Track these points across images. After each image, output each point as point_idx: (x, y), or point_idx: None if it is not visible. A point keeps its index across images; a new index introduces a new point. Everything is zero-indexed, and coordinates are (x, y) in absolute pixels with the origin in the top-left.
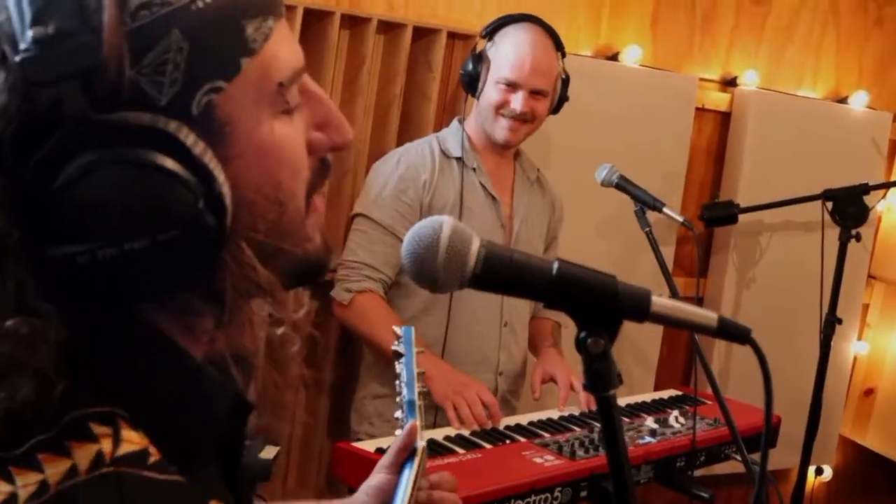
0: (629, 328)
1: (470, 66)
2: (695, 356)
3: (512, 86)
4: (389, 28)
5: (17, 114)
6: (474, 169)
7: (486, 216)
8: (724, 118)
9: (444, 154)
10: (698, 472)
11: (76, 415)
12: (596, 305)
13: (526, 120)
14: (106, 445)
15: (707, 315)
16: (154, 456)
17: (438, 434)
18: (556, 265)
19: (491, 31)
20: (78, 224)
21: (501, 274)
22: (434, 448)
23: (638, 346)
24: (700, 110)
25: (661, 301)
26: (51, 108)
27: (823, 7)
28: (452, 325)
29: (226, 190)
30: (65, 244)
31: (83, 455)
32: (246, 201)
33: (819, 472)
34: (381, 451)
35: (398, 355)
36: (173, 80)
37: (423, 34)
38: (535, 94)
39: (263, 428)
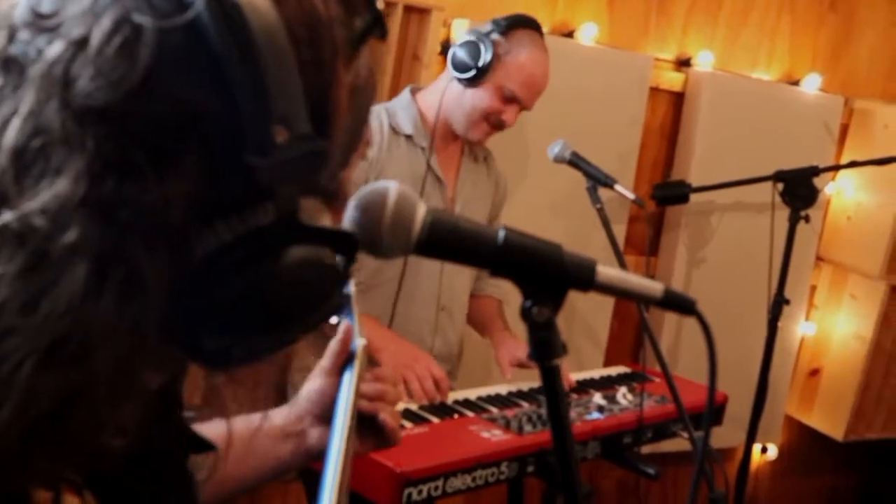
0: (580, 304)
1: (475, 52)
2: (644, 333)
3: (512, 99)
4: None
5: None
6: (423, 148)
7: (430, 197)
8: (678, 98)
9: (394, 129)
10: (646, 450)
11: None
12: (541, 274)
13: (503, 128)
14: None
15: (652, 285)
16: None
17: None
18: (501, 233)
19: (507, 28)
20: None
21: (447, 241)
22: None
23: (588, 322)
24: (654, 90)
25: (606, 270)
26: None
27: None
28: (390, 309)
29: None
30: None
31: None
32: None
33: (764, 450)
34: None
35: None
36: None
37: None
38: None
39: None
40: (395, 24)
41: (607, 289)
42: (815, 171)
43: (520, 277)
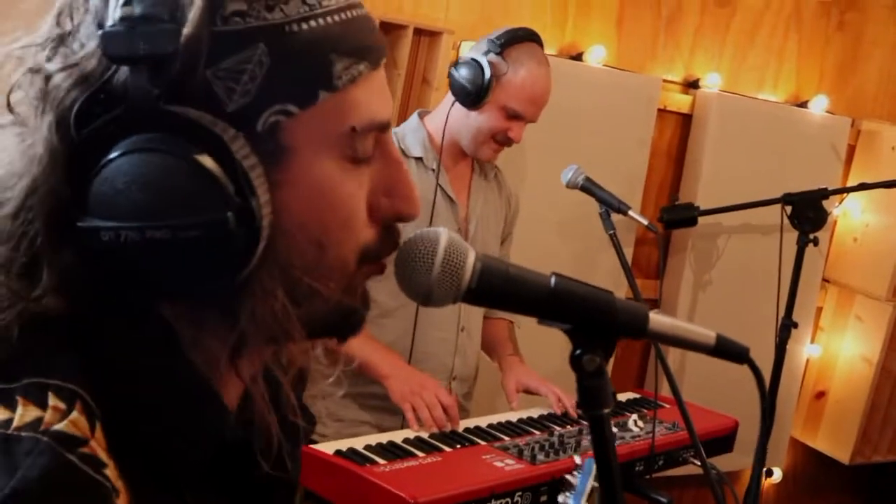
0: None
1: (472, 75)
2: (656, 359)
3: (516, 116)
4: None
5: (96, 82)
6: (433, 170)
7: (443, 219)
8: (685, 120)
9: (403, 153)
10: (657, 475)
11: (40, 380)
12: (593, 322)
13: (511, 145)
14: (50, 416)
15: (705, 333)
16: (93, 450)
17: (397, 437)
18: (553, 280)
19: (503, 46)
20: (109, 200)
21: (497, 288)
22: (392, 451)
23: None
24: (662, 111)
25: (659, 319)
26: (122, 86)
27: (787, 11)
28: (410, 332)
29: (265, 211)
30: (94, 217)
31: (24, 413)
32: (286, 232)
33: (769, 473)
34: (339, 454)
35: (568, 485)
36: (245, 91)
37: (388, 30)
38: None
39: None
40: (405, 48)
41: (659, 337)
42: (825, 194)
43: (570, 325)
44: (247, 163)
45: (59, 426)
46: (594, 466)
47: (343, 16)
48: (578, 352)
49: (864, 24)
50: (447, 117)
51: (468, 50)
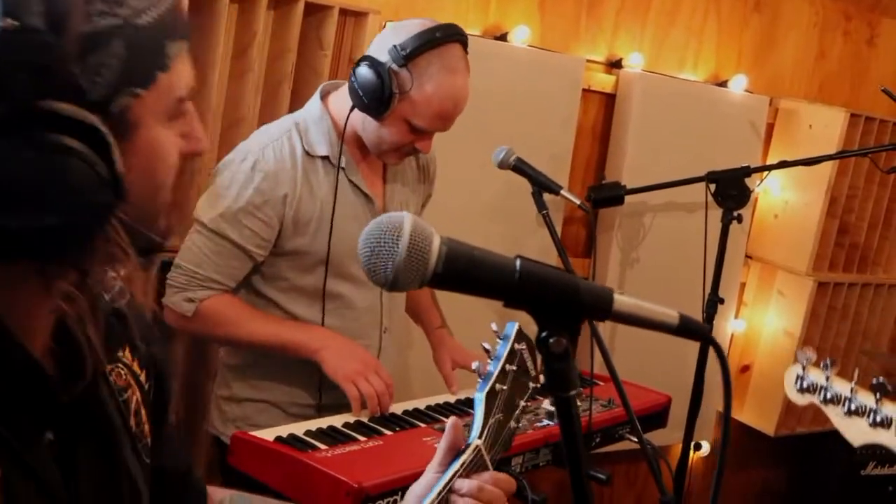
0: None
1: (373, 86)
2: (591, 337)
3: (425, 132)
4: (280, 3)
5: None
6: (343, 168)
7: (359, 219)
8: (609, 99)
9: (308, 153)
10: (592, 452)
11: None
12: (558, 304)
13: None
14: None
15: (668, 313)
16: None
17: (336, 421)
18: (518, 263)
19: (409, 57)
20: None
21: (462, 273)
22: (332, 435)
23: (529, 329)
24: (586, 91)
25: (623, 300)
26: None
27: None
28: None
29: (122, 174)
30: None
31: None
32: (131, 186)
33: (697, 447)
34: (280, 440)
35: (486, 351)
36: (108, 82)
37: (314, 10)
38: None
39: None
40: (330, 28)
41: (624, 318)
42: (747, 172)
43: (536, 308)
44: (108, 139)
45: None
46: (514, 329)
47: (166, 4)
48: (544, 334)
49: (780, 4)
50: (347, 120)
51: (373, 42)
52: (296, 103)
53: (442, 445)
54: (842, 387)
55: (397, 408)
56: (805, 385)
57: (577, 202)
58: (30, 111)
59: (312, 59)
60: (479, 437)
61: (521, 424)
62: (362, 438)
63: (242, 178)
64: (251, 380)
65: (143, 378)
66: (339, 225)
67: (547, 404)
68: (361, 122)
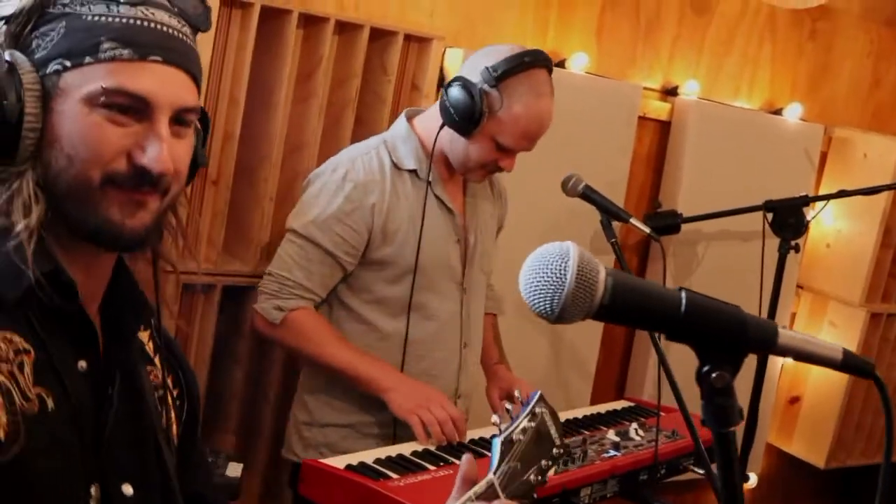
0: (568, 335)
1: (464, 104)
2: (657, 367)
3: (509, 150)
4: (345, 29)
5: None
6: (429, 182)
7: (443, 231)
8: (664, 127)
9: (396, 166)
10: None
11: None
12: (722, 338)
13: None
14: None
15: (832, 348)
16: None
17: (405, 450)
18: (684, 296)
19: (499, 79)
20: None
21: (628, 305)
22: (402, 464)
23: (576, 355)
24: (641, 118)
25: (788, 334)
26: None
27: (761, 20)
28: (410, 352)
29: (30, 118)
30: None
31: None
32: (51, 142)
33: (745, 479)
34: (350, 468)
35: (507, 410)
36: (47, 46)
37: (378, 35)
38: None
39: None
40: (395, 53)
41: (788, 352)
42: (806, 201)
43: (699, 341)
44: (29, 85)
45: None
46: (536, 398)
47: (126, 21)
48: (706, 368)
49: (834, 33)
50: (438, 132)
51: (465, 64)
52: (359, 128)
53: (458, 478)
54: None
55: (469, 435)
56: None
57: (647, 231)
58: None
59: (376, 84)
60: (494, 473)
61: (542, 479)
62: (432, 467)
63: (333, 187)
64: (332, 401)
65: (170, 383)
66: (425, 236)
67: (612, 434)
68: (449, 141)
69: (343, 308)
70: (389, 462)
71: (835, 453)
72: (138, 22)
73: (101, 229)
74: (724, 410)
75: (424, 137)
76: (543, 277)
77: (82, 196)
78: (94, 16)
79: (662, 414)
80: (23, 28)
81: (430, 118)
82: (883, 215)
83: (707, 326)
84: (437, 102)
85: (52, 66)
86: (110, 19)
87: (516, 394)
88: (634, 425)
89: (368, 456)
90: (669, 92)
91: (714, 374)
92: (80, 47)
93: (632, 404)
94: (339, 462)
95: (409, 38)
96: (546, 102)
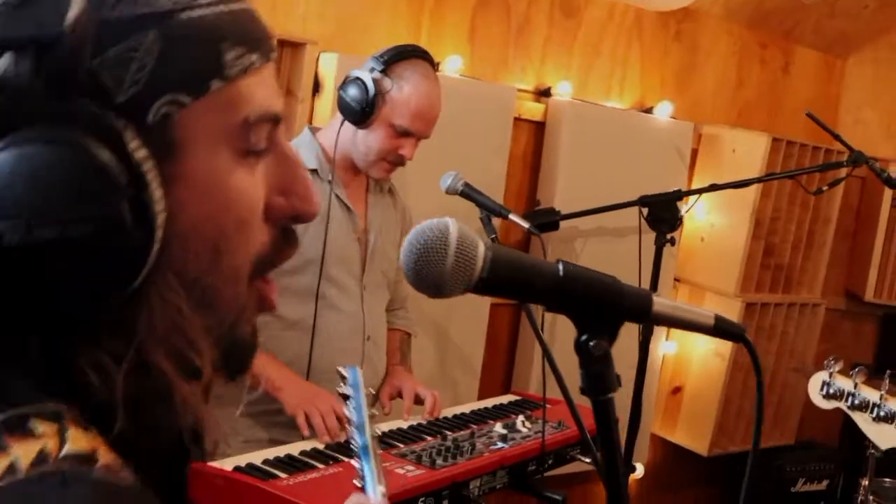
0: (454, 334)
1: (358, 94)
2: (542, 358)
3: (406, 133)
4: None
5: None
6: (329, 181)
7: (343, 229)
8: (539, 127)
9: None
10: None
11: (15, 412)
12: (600, 308)
13: (404, 164)
14: (50, 444)
15: (704, 314)
16: (105, 458)
17: (294, 449)
18: (561, 266)
19: (387, 63)
20: None
21: (508, 277)
22: (291, 464)
23: (462, 352)
24: (517, 119)
25: (662, 301)
26: (3, 75)
27: (628, 21)
28: (316, 342)
29: (159, 207)
30: None
31: (24, 453)
32: (180, 234)
33: (631, 469)
34: (238, 470)
35: (345, 397)
36: (135, 81)
37: None
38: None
39: None
40: None
41: (663, 319)
42: (679, 196)
43: (577, 311)
44: (138, 154)
45: (66, 451)
46: (357, 372)
47: (231, 6)
48: (584, 337)
49: (698, 33)
50: (338, 135)
51: (353, 69)
52: None
53: None
54: (870, 394)
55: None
56: (831, 391)
57: (527, 226)
58: (36, 104)
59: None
60: (381, 483)
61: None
62: (321, 466)
63: None
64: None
65: None
66: (320, 237)
67: (499, 427)
68: (349, 139)
69: None
70: (278, 462)
71: (717, 440)
72: (239, 5)
73: (237, 343)
74: (602, 378)
75: (326, 146)
76: (424, 252)
77: (228, 297)
78: (189, 9)
79: (549, 406)
80: (78, 55)
81: (330, 130)
82: (752, 208)
83: (585, 295)
84: (335, 113)
85: (158, 109)
86: (213, 9)
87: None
88: (521, 417)
89: (256, 457)
90: (543, 93)
91: (592, 343)
92: (195, 67)
93: (518, 398)
94: (226, 464)
95: (282, 43)
96: (434, 85)
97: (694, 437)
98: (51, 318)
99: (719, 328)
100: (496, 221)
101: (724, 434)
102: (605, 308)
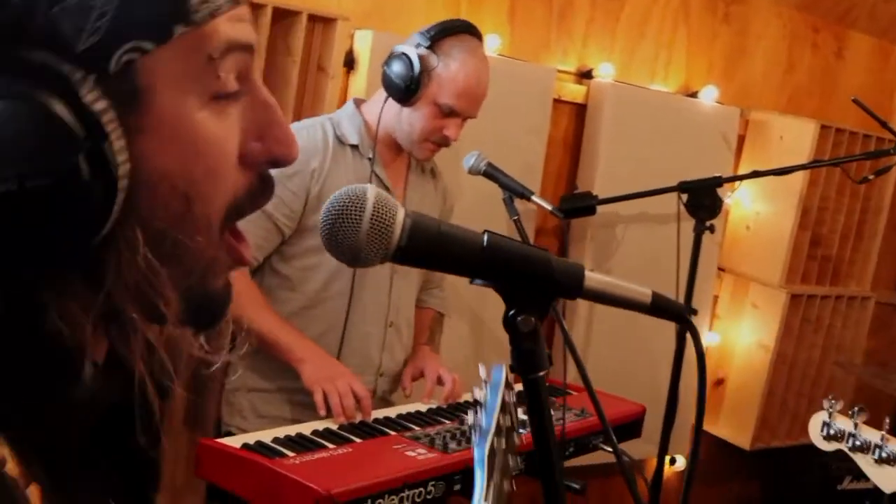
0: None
1: (403, 71)
2: (563, 346)
3: (451, 113)
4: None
5: None
6: (370, 158)
7: None
8: (580, 110)
9: (339, 140)
10: (567, 464)
11: None
12: (528, 281)
13: (448, 144)
14: None
15: (641, 291)
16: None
17: (306, 429)
18: (485, 237)
19: (434, 39)
20: None
21: (427, 246)
22: (301, 443)
23: (497, 336)
24: (557, 101)
25: (595, 276)
26: None
27: (674, 4)
28: (335, 326)
29: (121, 158)
30: None
31: None
32: (148, 183)
33: (672, 461)
34: (247, 447)
35: (476, 403)
36: (96, 29)
37: (281, 16)
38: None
39: None
40: (299, 35)
41: (596, 296)
42: (719, 182)
43: (503, 285)
44: (97, 106)
45: None
46: (502, 372)
47: None
48: (512, 312)
49: (748, 16)
50: (381, 112)
51: (398, 44)
52: None
53: None
54: (871, 435)
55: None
56: (831, 432)
57: (549, 207)
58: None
59: (281, 65)
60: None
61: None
62: (331, 446)
63: None
64: (260, 367)
65: None
66: None
67: (520, 413)
68: (393, 117)
69: (276, 276)
70: (288, 441)
71: (759, 434)
72: None
73: (209, 295)
74: (531, 355)
75: (370, 119)
76: (339, 217)
77: (198, 247)
78: None
79: (573, 393)
80: (34, 4)
81: (374, 104)
82: (800, 197)
83: (510, 268)
84: (381, 88)
85: (120, 57)
86: None
87: (470, 420)
88: None
89: (267, 435)
90: (584, 75)
91: (520, 318)
92: (158, 11)
93: None
94: (235, 441)
95: (313, 18)
96: (483, 63)
97: (736, 430)
98: (16, 271)
99: (656, 306)
100: (521, 204)
101: (766, 428)
102: (532, 282)
